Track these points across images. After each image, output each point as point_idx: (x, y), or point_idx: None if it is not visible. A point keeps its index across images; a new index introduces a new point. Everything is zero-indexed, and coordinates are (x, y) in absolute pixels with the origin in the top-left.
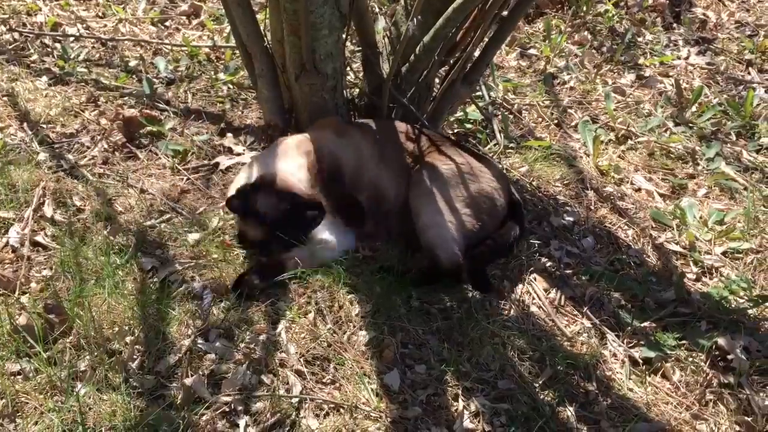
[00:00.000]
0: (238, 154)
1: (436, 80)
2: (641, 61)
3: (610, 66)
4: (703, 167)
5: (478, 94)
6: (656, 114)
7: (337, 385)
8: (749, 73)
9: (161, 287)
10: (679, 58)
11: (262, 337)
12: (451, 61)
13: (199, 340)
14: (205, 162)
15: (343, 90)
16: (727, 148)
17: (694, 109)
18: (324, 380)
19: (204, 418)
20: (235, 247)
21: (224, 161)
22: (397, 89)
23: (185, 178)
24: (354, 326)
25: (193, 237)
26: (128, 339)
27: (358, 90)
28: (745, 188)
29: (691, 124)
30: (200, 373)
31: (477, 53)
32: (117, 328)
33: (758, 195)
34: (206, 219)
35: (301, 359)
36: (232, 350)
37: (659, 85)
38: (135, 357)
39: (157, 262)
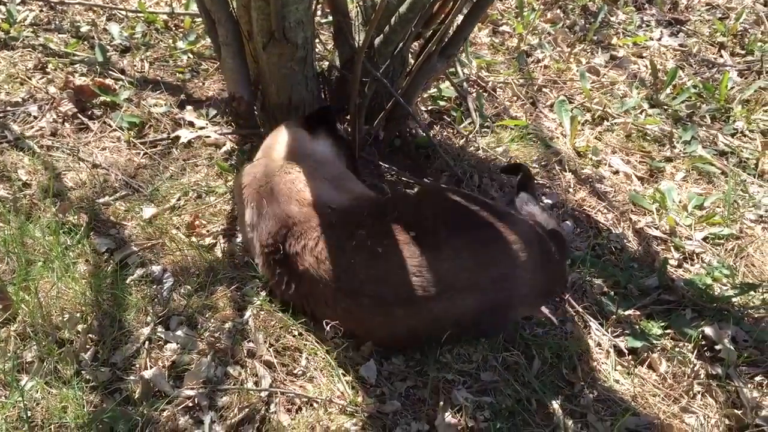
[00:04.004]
0: (201, 128)
1: (410, 54)
2: (614, 41)
3: (583, 45)
4: (680, 150)
5: (451, 70)
6: (632, 95)
7: (310, 377)
8: (722, 56)
9: (117, 270)
10: (651, 39)
11: (228, 325)
12: (428, 34)
13: (159, 329)
14: (164, 136)
15: (313, 62)
16: (703, 132)
17: (668, 91)
18: (295, 372)
19: (165, 414)
20: (202, 230)
21: (185, 134)
22: (370, 62)
23: (142, 152)
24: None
25: (149, 211)
26: (80, 327)
27: (327, 63)
28: (723, 173)
29: (666, 107)
30: (160, 364)
31: (455, 26)
32: (67, 315)
33: (737, 180)
34: (166, 196)
35: (271, 349)
36: (195, 339)
37: (633, 66)
38: (88, 347)
39: (113, 243)
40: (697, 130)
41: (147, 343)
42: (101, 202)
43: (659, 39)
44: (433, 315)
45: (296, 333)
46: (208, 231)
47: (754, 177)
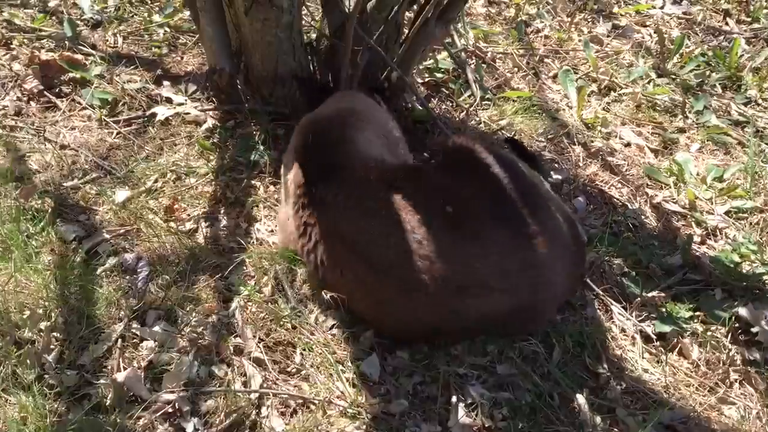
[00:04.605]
0: (179, 104)
1: (406, 20)
2: (615, 10)
3: (583, 15)
4: (693, 121)
5: (448, 40)
6: (638, 64)
7: (305, 375)
8: (727, 24)
9: (86, 260)
10: (654, 7)
11: (212, 318)
12: None
13: (134, 325)
14: (139, 113)
15: (300, 28)
16: (715, 101)
17: (676, 60)
18: (289, 370)
19: (141, 422)
20: (182, 214)
21: (162, 111)
22: (362, 29)
23: (115, 131)
24: (322, 304)
25: (122, 194)
26: (43, 325)
27: (317, 32)
28: (740, 143)
29: (673, 76)
30: (135, 365)
31: None
32: (28, 312)
33: (756, 150)
34: (141, 178)
35: (261, 345)
36: (175, 336)
37: (636, 35)
38: (52, 348)
39: (81, 231)
40: (709, 100)
41: (120, 341)
42: (69, 186)
43: (662, 7)
44: (460, 313)
45: (289, 326)
46: (188, 215)
47: None
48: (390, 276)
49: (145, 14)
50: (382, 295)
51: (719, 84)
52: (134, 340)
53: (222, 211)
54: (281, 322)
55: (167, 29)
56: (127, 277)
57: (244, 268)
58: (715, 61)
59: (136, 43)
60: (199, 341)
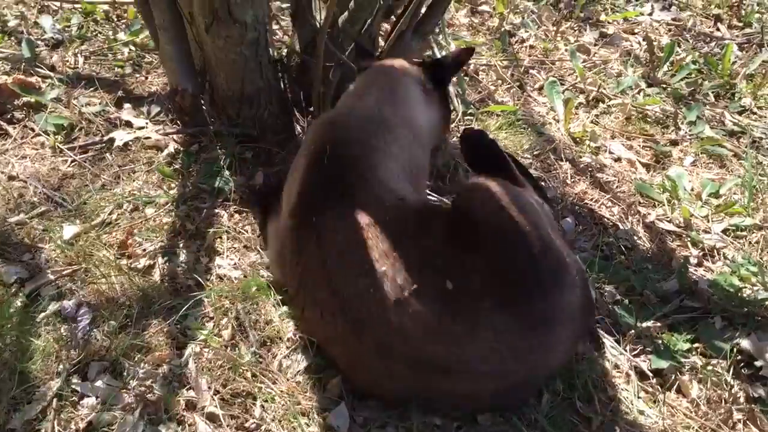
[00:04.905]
0: (139, 128)
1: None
2: (603, 17)
3: (569, 23)
4: (686, 132)
5: (427, 53)
6: (627, 74)
7: (265, 430)
8: (719, 29)
9: (26, 306)
10: (642, 14)
11: (163, 369)
12: (399, 10)
13: (74, 379)
14: (97, 139)
15: (267, 45)
16: (708, 111)
17: (666, 68)
18: (247, 426)
19: None
20: (137, 249)
21: (121, 136)
22: (334, 44)
23: (70, 159)
24: (287, 347)
25: (70, 230)
26: None
27: (287, 49)
28: (735, 155)
29: (664, 85)
30: (73, 427)
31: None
32: None
33: (752, 162)
34: (95, 210)
35: (217, 397)
36: (119, 391)
37: (624, 43)
38: None
39: (25, 272)
40: (702, 109)
41: (56, 400)
42: (14, 222)
43: (650, 14)
44: (440, 389)
45: (249, 375)
46: (143, 251)
47: None
48: (367, 335)
49: (110, 32)
50: (357, 350)
51: (712, 92)
52: (73, 398)
53: (181, 245)
54: (240, 371)
55: (132, 47)
56: (68, 324)
57: (202, 308)
58: (707, 68)
59: (99, 63)
60: (147, 396)
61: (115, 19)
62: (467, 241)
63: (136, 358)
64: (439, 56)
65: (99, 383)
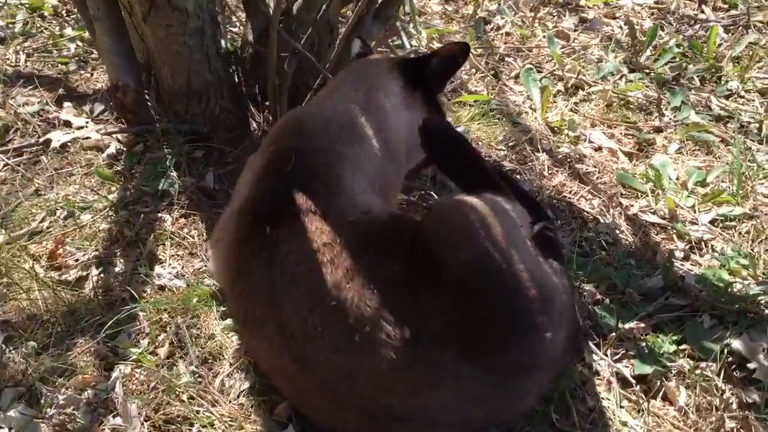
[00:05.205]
0: (79, 128)
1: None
2: (582, 2)
3: (548, 9)
4: (670, 118)
5: (396, 42)
6: (608, 59)
7: None
8: (703, 12)
9: None
10: None
11: (88, 393)
12: None
13: None
14: (32, 140)
15: (215, 35)
16: (693, 95)
17: (649, 52)
18: None
19: None
20: (68, 260)
21: (58, 137)
22: (288, 32)
23: (2, 163)
24: (230, 365)
25: None
26: None
27: (240, 39)
28: (723, 140)
29: (647, 70)
30: None
31: None
32: None
33: (741, 147)
34: (25, 218)
35: (147, 424)
36: (35, 421)
37: (605, 28)
38: None
39: None
40: (686, 94)
41: None
42: None
43: None
44: None
45: (185, 397)
46: (76, 261)
47: (760, 143)
48: (314, 377)
49: (57, 28)
50: (304, 389)
51: (697, 76)
52: None
53: (118, 253)
54: (176, 392)
55: (79, 43)
56: None
57: (137, 323)
58: (692, 51)
59: (42, 61)
60: (67, 425)
61: (64, 14)
62: (430, 275)
63: (57, 383)
64: (415, 49)
65: (12, 413)
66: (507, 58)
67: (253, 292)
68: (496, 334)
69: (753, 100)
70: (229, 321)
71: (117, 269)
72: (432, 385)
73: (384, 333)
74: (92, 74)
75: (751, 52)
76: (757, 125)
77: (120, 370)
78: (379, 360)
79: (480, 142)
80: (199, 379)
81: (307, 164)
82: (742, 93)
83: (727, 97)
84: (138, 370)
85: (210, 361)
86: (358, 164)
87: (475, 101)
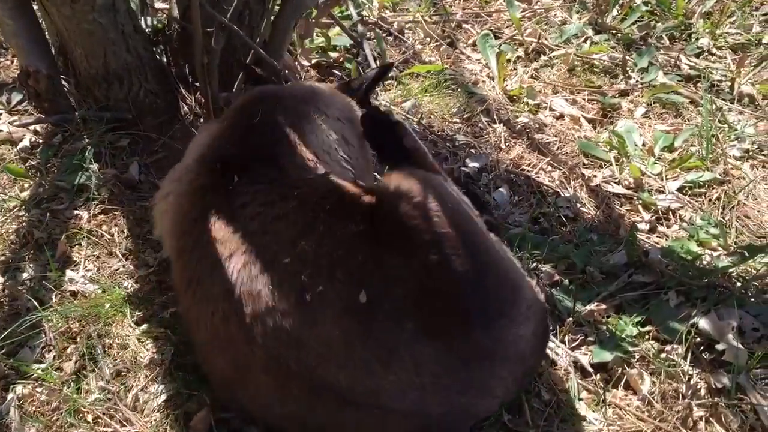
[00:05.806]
0: None
1: None
2: None
3: None
4: (637, 80)
5: (345, 12)
6: (572, 21)
7: None
8: None
9: None
10: None
11: None
12: None
13: None
14: None
15: (129, 11)
16: (662, 55)
17: (615, 12)
18: None
19: None
20: None
21: None
22: (214, 5)
23: None
24: (145, 377)
25: None
26: None
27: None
28: (692, 101)
29: (614, 31)
30: None
31: None
32: None
33: (710, 108)
34: None
35: None
36: None
37: None
38: None
39: None
40: (654, 54)
41: None
42: None
43: None
44: (340, 424)
45: (90, 419)
46: None
47: (731, 102)
48: (259, 346)
49: None
50: (246, 362)
51: (666, 35)
52: None
53: (27, 257)
54: (82, 413)
55: None
56: None
57: (43, 335)
58: (660, 9)
59: None
60: None
61: None
62: (394, 238)
63: None
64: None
65: None
66: (465, 25)
67: (205, 253)
68: (461, 312)
69: (725, 57)
70: (145, 326)
71: (25, 275)
72: (386, 362)
73: (337, 294)
74: (12, 62)
75: (722, 7)
76: (728, 83)
77: (17, 390)
78: (330, 327)
79: (433, 116)
80: (109, 396)
81: (273, 119)
82: (714, 50)
83: (697, 56)
84: (39, 389)
85: (123, 373)
86: (321, 127)
87: (428, 72)
